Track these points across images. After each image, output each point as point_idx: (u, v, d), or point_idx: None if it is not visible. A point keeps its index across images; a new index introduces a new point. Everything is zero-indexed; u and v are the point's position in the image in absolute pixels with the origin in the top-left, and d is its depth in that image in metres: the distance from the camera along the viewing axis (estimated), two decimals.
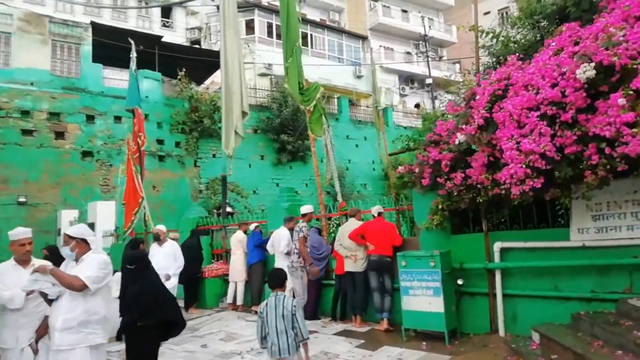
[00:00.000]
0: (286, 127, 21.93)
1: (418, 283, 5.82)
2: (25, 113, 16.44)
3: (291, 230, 7.94)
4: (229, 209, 11.14)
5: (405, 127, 27.75)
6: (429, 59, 31.43)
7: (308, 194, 22.06)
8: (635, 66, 3.59)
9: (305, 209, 7.51)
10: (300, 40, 9.44)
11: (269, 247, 8.00)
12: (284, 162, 22.29)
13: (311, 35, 28.72)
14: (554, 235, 5.19)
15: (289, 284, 7.73)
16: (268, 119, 22.00)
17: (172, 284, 7.10)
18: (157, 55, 19.49)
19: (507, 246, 5.54)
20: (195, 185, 19.98)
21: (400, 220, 7.37)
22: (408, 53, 33.60)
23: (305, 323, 3.90)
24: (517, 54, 4.77)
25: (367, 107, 27.36)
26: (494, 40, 5.36)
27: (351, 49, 30.63)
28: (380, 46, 31.78)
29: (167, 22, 25.49)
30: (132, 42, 12.84)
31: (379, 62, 31.01)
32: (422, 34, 31.13)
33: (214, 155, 20.60)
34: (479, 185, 5.02)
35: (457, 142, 5.01)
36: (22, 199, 16.02)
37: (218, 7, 26.57)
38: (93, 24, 18.15)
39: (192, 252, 9.21)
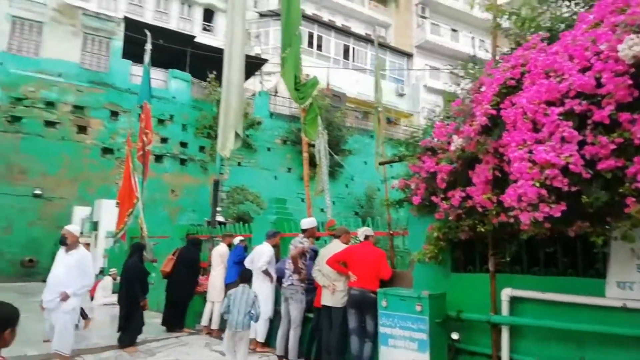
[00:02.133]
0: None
1: (400, 331, 4.53)
2: (50, 104, 16.33)
3: (275, 247, 6.83)
4: (220, 218, 10.14)
5: None
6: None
7: (334, 213, 20.95)
8: None
9: (308, 222, 6.15)
10: (305, 39, 8.33)
11: (247, 262, 6.88)
12: (311, 176, 21.23)
13: (353, 48, 27.83)
14: (585, 287, 3.78)
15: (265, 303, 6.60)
16: (298, 131, 21.10)
17: (69, 307, 5.18)
18: (188, 56, 19.11)
19: (519, 295, 4.16)
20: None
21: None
22: (454, 73, 32.01)
23: (260, 310, 5.27)
24: (541, 34, 3.49)
25: (406, 127, 26.00)
26: (515, 21, 4.10)
27: (395, 66, 29.47)
28: (426, 65, 30.42)
29: (209, 26, 25.30)
30: (149, 33, 12.33)
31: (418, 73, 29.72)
32: (470, 54, 29.52)
33: (239, 164, 19.91)
34: (481, 209, 3.73)
35: (453, 148, 3.75)
36: (37, 192, 15.80)
37: (260, 14, 26.28)
38: (126, 19, 17.98)
39: (191, 264, 8.25)
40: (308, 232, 6.08)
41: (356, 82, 26.77)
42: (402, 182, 4.99)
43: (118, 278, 11.09)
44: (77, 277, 5.36)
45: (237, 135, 8.71)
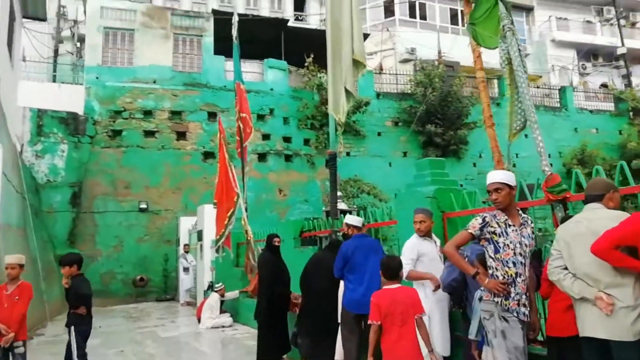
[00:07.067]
0: (434, 116, 17.99)
1: None
2: (147, 113, 15.40)
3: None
4: (343, 206, 7.70)
5: (591, 111, 21.83)
6: (620, 25, 24.56)
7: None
8: None
9: (495, 177, 3.22)
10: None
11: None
12: (432, 158, 18.26)
13: (462, 11, 24.29)
14: None
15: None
16: (411, 108, 18.34)
17: None
18: (282, 42, 17.24)
19: None
20: (327, 187, 17.10)
21: None
22: (588, 22, 26.95)
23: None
24: None
25: (538, 87, 21.93)
26: None
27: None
28: (550, 16, 25.85)
29: (300, 15, 23.58)
30: (235, 13, 10.56)
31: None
32: None
33: (348, 154, 17.60)
34: None
35: None
36: (143, 206, 14.83)
37: None
38: (214, 12, 16.62)
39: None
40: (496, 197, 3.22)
41: (468, 47, 23.26)
42: None
43: (226, 294, 9.20)
44: None
45: (348, 92, 6.41)
